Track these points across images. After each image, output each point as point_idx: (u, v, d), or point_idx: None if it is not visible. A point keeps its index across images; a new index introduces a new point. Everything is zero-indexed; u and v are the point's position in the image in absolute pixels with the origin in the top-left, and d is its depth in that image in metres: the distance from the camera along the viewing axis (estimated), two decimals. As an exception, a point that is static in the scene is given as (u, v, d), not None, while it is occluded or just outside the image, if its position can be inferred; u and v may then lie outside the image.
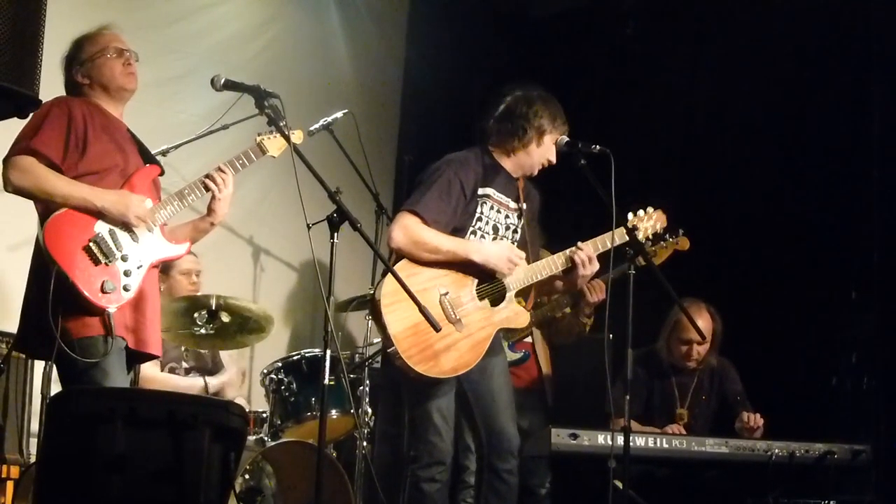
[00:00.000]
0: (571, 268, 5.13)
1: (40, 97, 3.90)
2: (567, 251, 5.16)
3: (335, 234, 4.16)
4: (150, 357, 4.59)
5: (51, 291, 4.16)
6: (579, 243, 5.17)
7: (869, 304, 6.49)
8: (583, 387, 6.29)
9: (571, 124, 5.23)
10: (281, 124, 4.24)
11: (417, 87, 8.45)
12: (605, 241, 5.13)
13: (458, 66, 8.14)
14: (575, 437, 5.37)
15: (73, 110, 4.42)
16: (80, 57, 4.61)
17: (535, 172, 5.24)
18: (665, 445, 5.53)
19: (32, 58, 3.87)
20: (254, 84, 4.29)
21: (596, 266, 5.13)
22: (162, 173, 4.69)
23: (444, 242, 4.92)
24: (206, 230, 4.75)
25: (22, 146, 4.31)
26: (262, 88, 4.27)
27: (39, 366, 5.42)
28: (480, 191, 5.10)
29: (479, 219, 5.10)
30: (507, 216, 5.20)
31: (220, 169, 4.64)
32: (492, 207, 5.14)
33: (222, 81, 4.28)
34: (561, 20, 8.10)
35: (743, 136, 7.16)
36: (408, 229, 4.90)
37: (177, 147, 5.93)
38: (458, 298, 4.95)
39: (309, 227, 4.13)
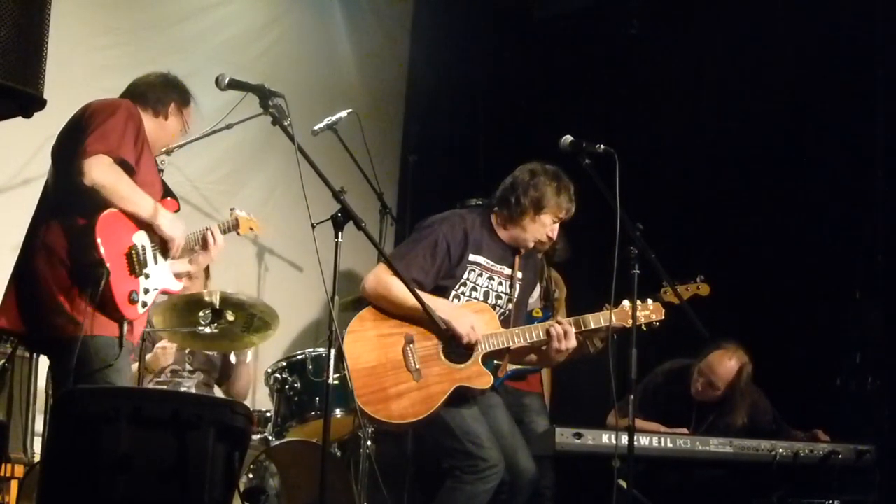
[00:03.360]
0: (547, 340, 5.06)
1: (45, 97, 3.91)
2: (545, 323, 5.13)
3: (339, 234, 4.17)
4: None
5: (101, 286, 4.19)
6: (559, 318, 5.17)
7: (873, 303, 6.48)
8: (587, 385, 6.30)
9: (576, 124, 5.22)
10: (285, 124, 4.25)
11: (421, 87, 8.46)
12: (587, 321, 5.11)
13: (462, 66, 8.16)
14: (579, 436, 5.38)
15: (141, 125, 4.52)
16: (184, 111, 4.78)
17: (529, 247, 5.24)
18: (669, 445, 5.54)
19: (37, 57, 3.88)
20: (258, 83, 4.29)
21: (572, 343, 5.05)
22: (177, 210, 4.77)
23: (409, 298, 4.68)
24: (181, 275, 4.84)
25: (109, 148, 4.32)
26: (267, 88, 4.27)
27: (44, 364, 5.43)
28: (471, 257, 5.11)
29: (464, 283, 5.10)
30: (500, 283, 5.20)
31: (212, 231, 4.91)
32: (481, 275, 5.14)
33: (227, 81, 4.28)
34: (565, 20, 8.10)
35: (747, 135, 7.15)
36: (380, 281, 4.92)
37: (181, 146, 5.92)
38: (422, 349, 4.94)
39: (313, 227, 4.14)
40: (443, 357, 4.97)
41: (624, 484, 4.89)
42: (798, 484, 5.65)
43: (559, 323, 5.06)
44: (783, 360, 6.60)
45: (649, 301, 5.25)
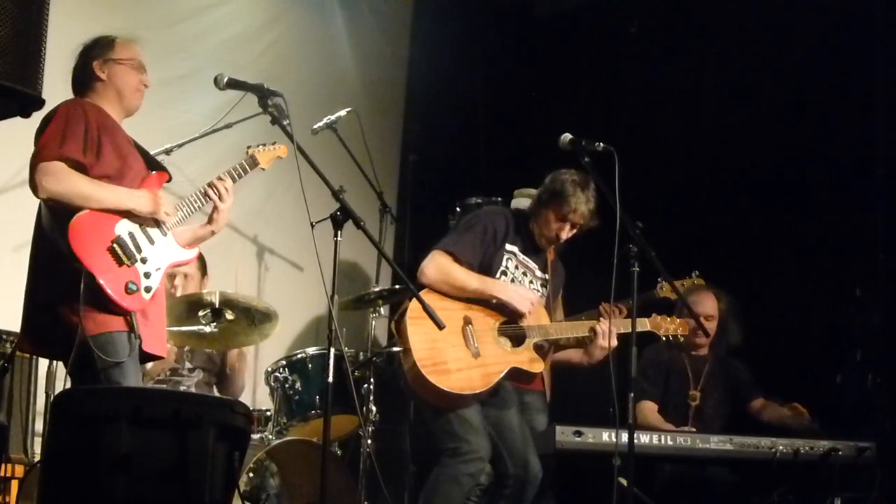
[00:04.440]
0: (591, 337, 5.38)
1: (43, 97, 3.92)
2: (591, 322, 5.43)
3: (339, 233, 4.18)
4: (155, 358, 4.60)
5: (82, 293, 4.17)
6: (603, 319, 5.42)
7: (873, 300, 6.48)
8: (587, 383, 6.29)
9: (575, 122, 5.22)
10: (284, 123, 4.24)
11: (421, 86, 8.45)
12: (626, 325, 5.25)
13: (462, 64, 8.15)
14: (579, 434, 5.39)
15: (88, 114, 4.42)
16: (109, 54, 4.59)
17: (542, 244, 5.45)
18: (670, 443, 5.54)
19: (36, 57, 3.89)
20: (257, 83, 4.30)
21: (615, 343, 5.31)
22: (169, 180, 4.71)
23: (470, 281, 5.22)
24: (205, 238, 4.80)
25: (51, 152, 4.30)
26: (266, 87, 4.28)
27: (43, 364, 5.44)
28: (508, 246, 5.37)
29: (505, 272, 5.35)
30: (531, 281, 5.44)
31: (219, 178, 4.73)
32: (517, 267, 5.38)
33: (226, 80, 4.29)
34: (565, 19, 8.10)
35: (747, 133, 7.15)
36: (440, 267, 5.21)
37: (181, 146, 5.95)
38: (480, 330, 5.19)
39: (313, 226, 4.14)
40: (499, 339, 5.24)
41: (624, 482, 4.89)
42: (798, 481, 5.65)
43: (604, 321, 5.37)
44: (784, 357, 6.60)
45: (676, 317, 5.58)
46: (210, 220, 4.74)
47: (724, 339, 6.34)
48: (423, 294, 5.08)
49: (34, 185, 4.29)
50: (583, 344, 5.52)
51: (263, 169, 4.94)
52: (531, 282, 5.42)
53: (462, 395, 5.09)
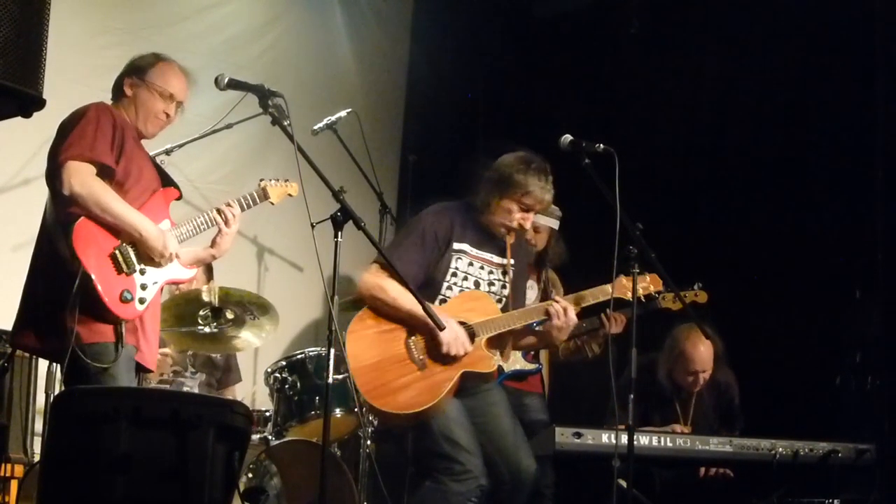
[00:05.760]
0: (547, 320, 5.07)
1: (44, 97, 3.91)
2: (544, 304, 5.13)
3: (339, 234, 4.17)
4: (146, 370, 4.61)
5: (73, 292, 4.17)
6: (556, 296, 5.16)
7: (873, 302, 6.47)
8: (586, 385, 6.29)
9: (576, 123, 5.21)
10: (284, 124, 4.25)
11: (421, 87, 8.45)
12: (585, 297, 5.13)
13: (462, 65, 8.15)
14: (579, 435, 5.37)
15: (116, 120, 4.46)
16: (143, 75, 4.64)
17: (502, 234, 5.16)
18: (669, 445, 5.53)
19: (36, 57, 3.88)
20: (258, 83, 4.30)
21: (572, 320, 5.04)
22: (179, 197, 4.74)
23: (403, 303, 4.85)
24: (206, 260, 4.88)
25: (82, 153, 4.31)
26: (266, 88, 4.28)
27: (43, 364, 5.45)
28: (455, 245, 5.09)
29: (455, 274, 5.09)
30: (490, 272, 5.17)
31: (228, 204, 4.76)
32: (470, 263, 5.12)
33: (226, 81, 4.29)
34: (565, 19, 8.09)
35: (747, 133, 7.15)
36: (374, 283, 4.91)
37: (181, 146, 5.95)
38: (423, 341, 4.93)
39: (313, 227, 4.14)
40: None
41: (624, 484, 4.89)
42: (798, 483, 5.64)
43: (556, 301, 5.06)
44: (783, 359, 6.60)
45: (646, 274, 5.18)
46: (213, 244, 4.77)
47: (715, 376, 6.22)
48: (365, 313, 4.92)
49: (60, 181, 4.28)
50: (540, 331, 5.19)
51: (272, 203, 5.02)
52: (491, 272, 5.15)
53: (423, 411, 4.83)
